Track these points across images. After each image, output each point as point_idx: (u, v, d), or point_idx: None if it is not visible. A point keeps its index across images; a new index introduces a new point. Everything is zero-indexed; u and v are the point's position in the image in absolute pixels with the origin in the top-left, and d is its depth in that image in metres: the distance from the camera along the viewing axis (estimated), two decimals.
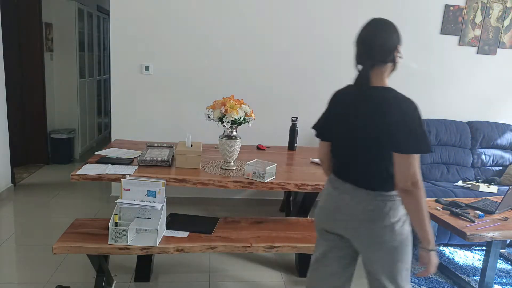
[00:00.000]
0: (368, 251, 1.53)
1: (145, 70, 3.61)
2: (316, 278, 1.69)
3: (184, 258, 2.85)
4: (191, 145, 2.47)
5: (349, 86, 1.65)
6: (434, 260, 1.45)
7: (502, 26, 3.90)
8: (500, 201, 2.71)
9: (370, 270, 1.57)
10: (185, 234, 2.21)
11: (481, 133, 3.87)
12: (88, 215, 3.47)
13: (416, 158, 1.41)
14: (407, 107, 1.44)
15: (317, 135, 1.75)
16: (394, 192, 1.48)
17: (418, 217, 1.42)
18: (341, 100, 1.64)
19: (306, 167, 2.61)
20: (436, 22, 3.82)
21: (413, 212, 1.43)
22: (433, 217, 2.66)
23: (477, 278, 2.83)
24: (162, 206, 2.11)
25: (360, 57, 1.53)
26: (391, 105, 1.44)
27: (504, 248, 3.28)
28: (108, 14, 3.69)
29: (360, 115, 1.49)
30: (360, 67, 1.54)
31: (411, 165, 1.40)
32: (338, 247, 1.63)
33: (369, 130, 1.46)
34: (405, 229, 1.50)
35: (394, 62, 1.52)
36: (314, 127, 1.77)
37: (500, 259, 3.16)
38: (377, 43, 1.48)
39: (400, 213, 1.49)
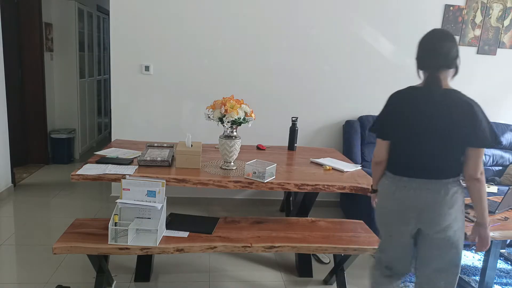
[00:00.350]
0: (438, 232, 1.72)
1: (145, 70, 3.61)
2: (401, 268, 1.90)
3: (184, 258, 2.85)
4: (191, 145, 2.47)
5: (412, 88, 1.77)
6: (489, 234, 1.75)
7: (502, 26, 3.90)
8: (500, 201, 2.71)
9: (429, 252, 1.77)
10: (185, 234, 2.21)
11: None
12: (88, 215, 3.47)
13: (484, 151, 1.69)
14: (477, 105, 1.65)
15: (379, 136, 1.85)
16: (456, 179, 1.72)
17: (482, 199, 1.69)
18: (409, 101, 1.74)
19: (306, 167, 2.61)
20: (436, 22, 3.82)
21: (480, 196, 1.69)
22: None
23: (477, 278, 2.83)
24: (162, 206, 2.11)
25: (426, 63, 1.72)
26: (463, 105, 1.64)
27: (504, 248, 3.28)
28: (108, 14, 3.69)
29: (438, 114, 1.66)
30: (424, 72, 1.74)
31: (481, 157, 1.66)
32: (408, 239, 1.82)
33: (447, 127, 1.65)
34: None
35: (456, 67, 1.71)
36: (374, 129, 1.87)
37: (500, 259, 3.16)
38: (444, 51, 1.68)
39: (461, 196, 1.74)
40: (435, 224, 1.70)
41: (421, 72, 1.76)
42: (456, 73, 1.73)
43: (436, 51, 1.69)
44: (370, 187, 2.17)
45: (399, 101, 1.78)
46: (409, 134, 1.73)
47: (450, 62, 1.69)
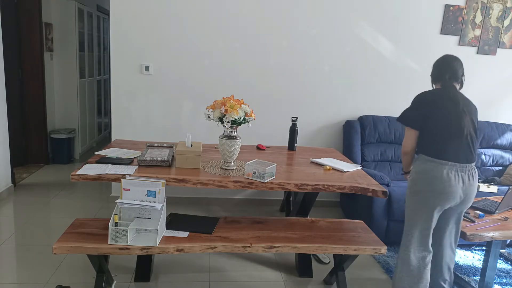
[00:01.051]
0: (465, 207, 2.20)
1: (145, 70, 3.61)
2: (439, 239, 2.29)
3: (184, 258, 2.85)
4: (191, 145, 2.47)
5: (435, 90, 2.23)
6: None
7: (502, 26, 3.90)
8: (500, 201, 2.71)
9: (454, 218, 2.24)
10: (185, 234, 2.21)
11: (481, 133, 3.87)
12: (88, 215, 3.47)
13: None
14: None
15: (413, 127, 2.20)
16: (475, 163, 2.18)
17: None
18: (439, 97, 2.16)
19: (306, 167, 2.61)
20: (436, 22, 3.82)
21: None
22: None
23: (477, 278, 2.83)
24: (162, 206, 2.11)
25: (442, 77, 2.23)
26: (472, 103, 2.20)
27: (504, 248, 3.28)
28: (108, 14, 3.69)
29: (465, 109, 2.13)
30: (439, 84, 2.25)
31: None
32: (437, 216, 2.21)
33: (472, 119, 2.15)
34: None
35: (462, 83, 2.25)
36: (409, 121, 2.21)
37: (500, 259, 3.16)
38: (455, 70, 2.22)
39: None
40: (469, 202, 2.17)
41: (435, 85, 2.28)
42: (461, 87, 2.25)
43: (449, 70, 2.21)
44: (402, 171, 2.50)
45: (430, 98, 2.17)
46: (445, 123, 2.10)
47: (459, 78, 2.21)
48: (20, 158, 4.62)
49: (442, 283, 2.33)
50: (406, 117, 2.22)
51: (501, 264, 3.08)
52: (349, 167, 2.64)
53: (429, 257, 2.22)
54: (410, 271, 2.21)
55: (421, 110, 2.16)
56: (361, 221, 2.62)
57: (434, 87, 2.28)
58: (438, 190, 2.08)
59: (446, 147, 2.09)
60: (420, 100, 2.20)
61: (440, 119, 2.11)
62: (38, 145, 4.77)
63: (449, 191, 2.08)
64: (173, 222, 2.34)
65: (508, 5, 3.86)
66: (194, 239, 2.17)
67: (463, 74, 2.22)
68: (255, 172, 2.27)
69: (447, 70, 2.21)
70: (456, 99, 2.14)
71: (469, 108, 2.15)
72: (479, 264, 3.05)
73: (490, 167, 3.89)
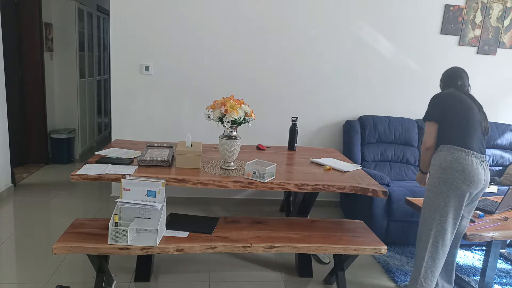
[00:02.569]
0: (481, 194, 2.36)
1: (145, 70, 3.61)
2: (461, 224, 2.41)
3: (184, 258, 2.85)
4: (191, 145, 2.47)
5: (450, 91, 2.39)
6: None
7: (502, 26, 3.90)
8: (500, 201, 2.71)
9: (469, 207, 2.38)
10: (185, 234, 2.21)
11: None
12: (88, 215, 3.47)
13: None
14: None
15: (434, 119, 2.34)
16: None
17: None
18: (457, 95, 2.35)
19: (306, 167, 2.61)
20: (436, 22, 3.82)
21: None
22: None
23: (477, 278, 2.83)
24: (162, 206, 2.11)
25: (454, 84, 2.42)
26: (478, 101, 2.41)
27: (504, 248, 3.28)
28: (108, 14, 3.69)
29: (478, 104, 2.35)
30: (449, 88, 2.43)
31: None
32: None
33: (485, 113, 2.36)
34: None
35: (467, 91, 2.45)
36: (427, 117, 2.37)
37: (500, 259, 3.16)
38: (463, 78, 2.42)
39: None
40: (484, 190, 2.32)
41: (446, 90, 2.43)
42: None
43: (460, 78, 2.41)
44: (419, 170, 2.54)
45: (448, 94, 2.35)
46: (466, 115, 2.27)
47: (466, 87, 2.42)
48: (20, 158, 4.62)
49: (448, 285, 2.52)
50: (426, 114, 2.37)
51: (501, 264, 3.08)
52: (349, 167, 2.64)
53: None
54: (437, 264, 2.30)
55: (440, 104, 2.32)
56: (361, 221, 2.62)
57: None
58: (470, 178, 2.19)
59: (470, 137, 2.24)
60: (438, 97, 2.36)
61: (461, 111, 2.27)
62: (38, 145, 4.77)
63: (479, 178, 2.21)
64: (173, 222, 2.34)
65: (508, 5, 3.86)
66: (194, 239, 2.17)
67: (469, 85, 2.45)
68: (255, 172, 2.27)
69: (458, 78, 2.42)
70: (470, 96, 2.36)
71: (480, 105, 2.37)
72: (479, 264, 3.05)
73: (490, 167, 3.88)
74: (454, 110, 2.29)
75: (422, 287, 2.31)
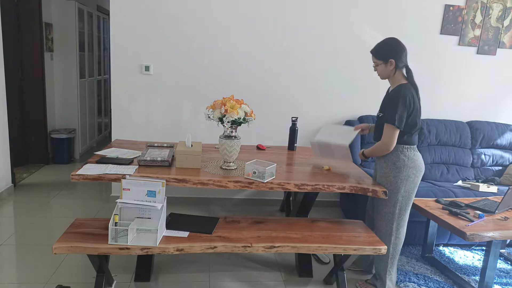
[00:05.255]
0: None
1: (145, 70, 3.61)
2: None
3: (184, 258, 2.85)
4: (191, 145, 2.47)
5: (411, 86, 2.45)
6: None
7: (502, 26, 3.90)
8: (500, 201, 2.72)
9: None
10: (185, 234, 2.21)
11: (481, 133, 3.87)
12: (88, 215, 3.47)
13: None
14: None
15: (400, 127, 2.35)
16: None
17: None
18: (416, 96, 2.44)
19: (306, 167, 2.61)
20: (436, 22, 3.82)
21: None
22: (433, 217, 2.66)
23: (477, 278, 2.83)
24: (162, 206, 2.11)
25: (404, 60, 2.45)
26: None
27: (504, 248, 3.28)
28: (108, 14, 3.70)
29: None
30: (402, 66, 2.47)
31: None
32: None
33: None
34: None
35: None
36: (401, 124, 2.34)
37: (500, 259, 3.16)
38: (406, 50, 2.54)
39: None
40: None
41: (398, 70, 2.48)
42: None
43: (404, 51, 2.52)
44: (362, 155, 2.54)
45: (412, 96, 2.38)
46: (419, 116, 2.40)
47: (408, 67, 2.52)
48: (20, 158, 4.62)
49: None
50: (401, 121, 2.33)
51: (501, 264, 3.08)
52: (347, 136, 2.62)
53: None
54: (399, 247, 2.52)
55: (408, 110, 2.34)
56: (361, 221, 2.62)
57: (396, 71, 2.44)
58: (421, 170, 2.40)
59: (417, 136, 2.44)
60: (409, 101, 2.34)
61: (418, 114, 2.38)
62: (38, 145, 4.77)
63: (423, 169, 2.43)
64: (173, 222, 2.34)
65: (508, 5, 3.86)
66: (194, 239, 2.17)
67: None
68: (255, 172, 2.27)
69: (403, 51, 2.44)
70: (417, 90, 2.44)
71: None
72: (479, 264, 3.05)
73: (490, 167, 3.88)
74: (415, 114, 2.37)
75: (390, 275, 2.53)
